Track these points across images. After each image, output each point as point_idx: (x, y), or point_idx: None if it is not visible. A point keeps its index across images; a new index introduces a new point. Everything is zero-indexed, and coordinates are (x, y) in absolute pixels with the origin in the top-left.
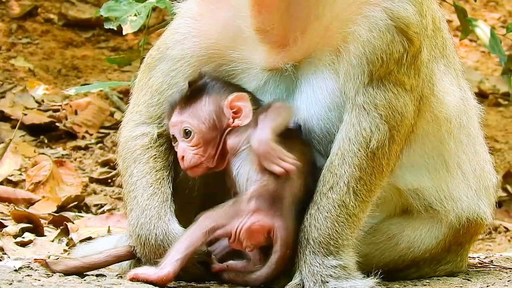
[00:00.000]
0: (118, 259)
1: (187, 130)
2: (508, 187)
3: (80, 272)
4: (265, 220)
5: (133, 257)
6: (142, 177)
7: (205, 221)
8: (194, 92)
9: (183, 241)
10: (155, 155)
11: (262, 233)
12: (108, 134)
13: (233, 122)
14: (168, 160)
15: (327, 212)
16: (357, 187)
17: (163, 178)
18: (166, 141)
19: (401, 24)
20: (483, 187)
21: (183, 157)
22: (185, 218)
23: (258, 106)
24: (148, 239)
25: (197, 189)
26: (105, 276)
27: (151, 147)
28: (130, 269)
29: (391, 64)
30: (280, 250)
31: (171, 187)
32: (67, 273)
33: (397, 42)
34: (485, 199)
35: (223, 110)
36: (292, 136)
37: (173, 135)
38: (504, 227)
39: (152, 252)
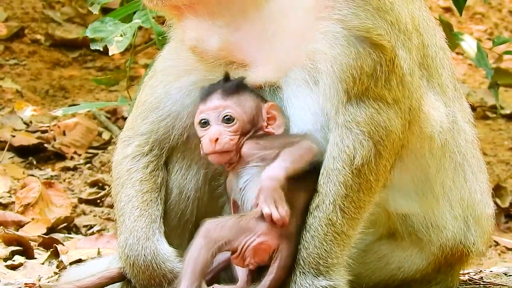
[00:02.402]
0: (111, 280)
1: (229, 116)
2: (498, 200)
3: None
4: (273, 240)
5: (124, 279)
6: (129, 201)
7: (212, 238)
8: (238, 84)
9: (194, 266)
10: (141, 177)
11: (268, 252)
12: (97, 154)
13: (266, 126)
14: (155, 182)
15: (314, 231)
16: (344, 205)
17: (151, 200)
18: (149, 164)
19: (358, 32)
20: (472, 217)
21: (217, 139)
22: (177, 240)
23: None
24: (137, 260)
25: (189, 212)
26: None
27: (136, 170)
28: None
29: (365, 80)
30: (276, 272)
31: (160, 209)
32: None
33: (364, 55)
34: (475, 229)
35: (261, 111)
36: None
37: (204, 119)
38: (495, 241)
39: (141, 273)
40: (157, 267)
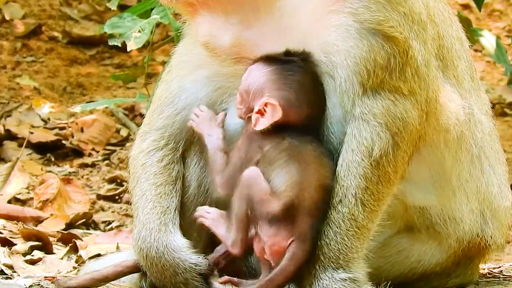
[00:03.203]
0: (127, 269)
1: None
2: None
3: (91, 286)
4: (282, 242)
5: (139, 270)
6: (142, 195)
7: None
8: (276, 57)
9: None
10: (155, 171)
11: (281, 253)
12: (115, 151)
13: (253, 113)
14: (170, 175)
15: (337, 227)
16: (364, 198)
17: (165, 193)
18: (164, 157)
19: (370, 25)
20: (489, 210)
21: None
22: (196, 233)
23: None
24: (150, 252)
25: (208, 205)
26: None
27: (150, 164)
28: (139, 283)
29: (380, 72)
30: (284, 262)
31: (175, 201)
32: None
33: (377, 47)
34: (492, 222)
35: (261, 96)
36: (310, 150)
37: None
38: None
39: (154, 265)
40: (170, 258)
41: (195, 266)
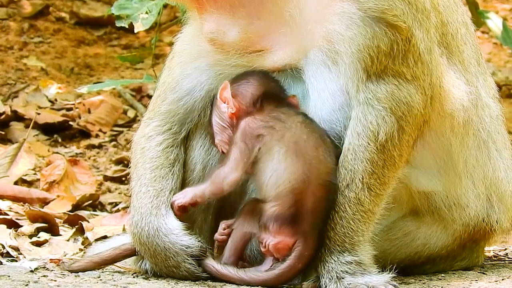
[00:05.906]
0: (125, 252)
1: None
2: None
3: (92, 269)
4: (287, 239)
5: (136, 253)
6: (138, 179)
7: (244, 225)
8: (209, 116)
9: (229, 248)
10: (152, 155)
11: (287, 249)
12: (122, 132)
13: (228, 113)
14: (168, 158)
15: (343, 212)
16: (371, 182)
17: (160, 176)
18: (164, 141)
19: (374, 13)
20: (495, 194)
21: None
22: (202, 215)
23: (274, 84)
24: (142, 237)
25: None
26: (121, 274)
27: (149, 149)
28: (142, 265)
29: (383, 58)
30: (291, 260)
31: (170, 183)
32: (80, 271)
33: (380, 34)
34: (498, 206)
35: (221, 109)
36: (318, 140)
37: None
38: None
39: (147, 249)
40: (160, 242)
41: (186, 248)
